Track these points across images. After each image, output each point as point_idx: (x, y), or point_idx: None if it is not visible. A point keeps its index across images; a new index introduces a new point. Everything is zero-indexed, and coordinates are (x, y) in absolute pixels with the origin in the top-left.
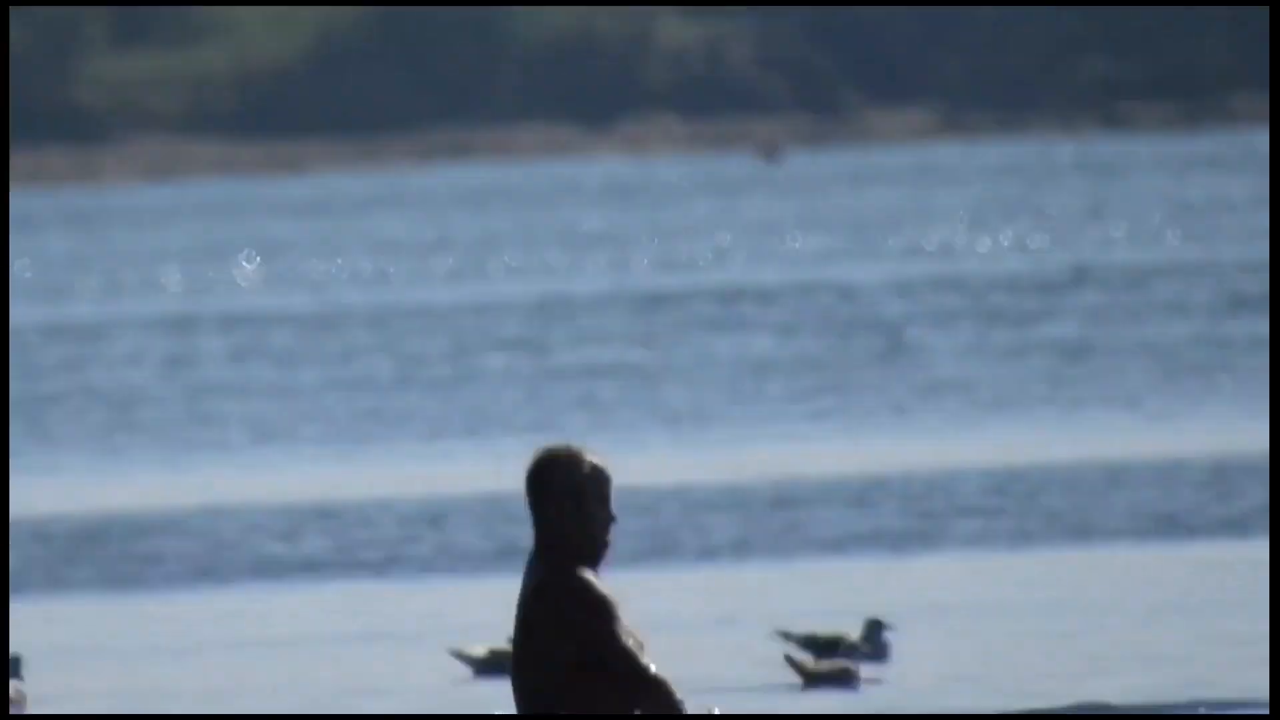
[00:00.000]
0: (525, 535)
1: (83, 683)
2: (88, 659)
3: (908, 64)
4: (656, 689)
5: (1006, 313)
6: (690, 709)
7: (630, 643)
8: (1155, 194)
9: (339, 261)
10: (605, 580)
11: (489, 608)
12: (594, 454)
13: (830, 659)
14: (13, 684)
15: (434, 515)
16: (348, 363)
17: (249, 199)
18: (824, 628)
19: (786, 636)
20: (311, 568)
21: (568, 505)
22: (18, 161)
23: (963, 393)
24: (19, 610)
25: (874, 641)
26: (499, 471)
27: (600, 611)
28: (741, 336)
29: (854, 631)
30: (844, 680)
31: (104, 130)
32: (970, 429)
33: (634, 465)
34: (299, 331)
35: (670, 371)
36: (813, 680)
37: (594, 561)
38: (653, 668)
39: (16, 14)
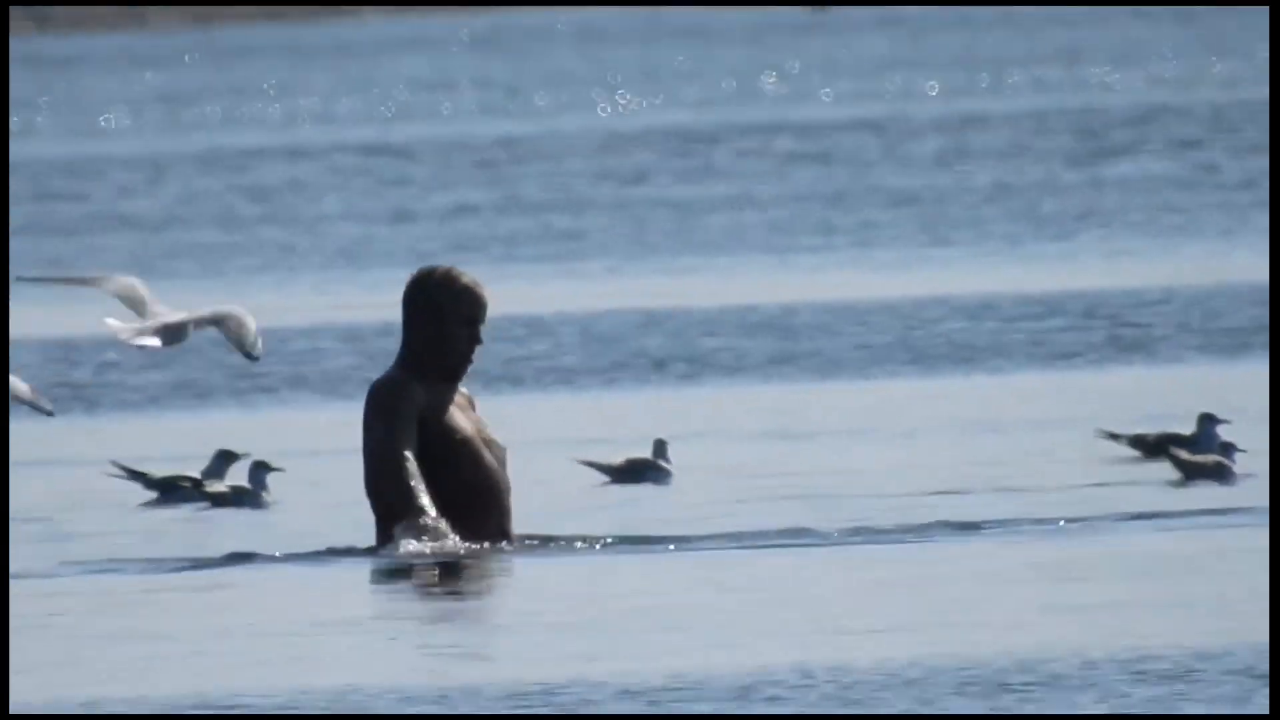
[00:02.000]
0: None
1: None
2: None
3: None
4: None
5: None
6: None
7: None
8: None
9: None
10: (455, 390)
11: None
12: (468, 277)
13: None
14: (237, 486)
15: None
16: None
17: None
18: (1150, 428)
19: (1113, 437)
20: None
21: (430, 321)
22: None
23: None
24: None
25: (1206, 436)
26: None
27: (376, 410)
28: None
29: (1185, 429)
30: (1220, 474)
31: None
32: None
33: (923, 275)
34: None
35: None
36: (1191, 472)
37: (450, 376)
38: (412, 473)
39: None
